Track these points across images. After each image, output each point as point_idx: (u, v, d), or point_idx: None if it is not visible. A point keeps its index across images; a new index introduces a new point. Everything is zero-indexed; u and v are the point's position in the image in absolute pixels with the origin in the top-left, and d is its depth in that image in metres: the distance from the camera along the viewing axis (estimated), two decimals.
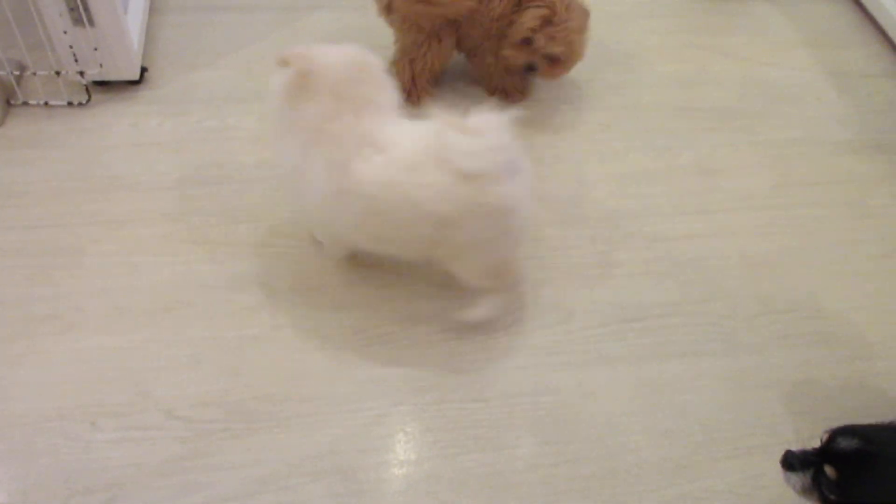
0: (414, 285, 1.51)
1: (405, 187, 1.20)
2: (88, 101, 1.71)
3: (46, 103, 1.69)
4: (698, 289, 1.56)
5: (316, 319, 1.45)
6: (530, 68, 1.70)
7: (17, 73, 1.67)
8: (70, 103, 1.70)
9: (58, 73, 1.64)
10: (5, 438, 1.26)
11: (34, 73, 1.67)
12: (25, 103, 1.69)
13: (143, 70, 1.77)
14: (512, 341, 1.45)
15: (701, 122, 1.90)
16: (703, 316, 1.52)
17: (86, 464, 1.24)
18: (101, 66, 1.66)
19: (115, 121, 1.71)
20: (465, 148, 1.18)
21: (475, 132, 1.18)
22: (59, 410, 1.29)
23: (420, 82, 1.75)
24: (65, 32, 1.57)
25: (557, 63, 1.69)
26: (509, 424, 1.34)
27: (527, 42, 1.64)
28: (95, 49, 1.62)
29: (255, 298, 1.46)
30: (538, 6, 1.61)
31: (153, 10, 1.92)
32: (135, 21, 1.76)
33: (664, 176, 1.76)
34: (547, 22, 1.61)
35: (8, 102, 1.68)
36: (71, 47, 1.61)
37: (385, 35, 1.77)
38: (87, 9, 1.53)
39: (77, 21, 1.56)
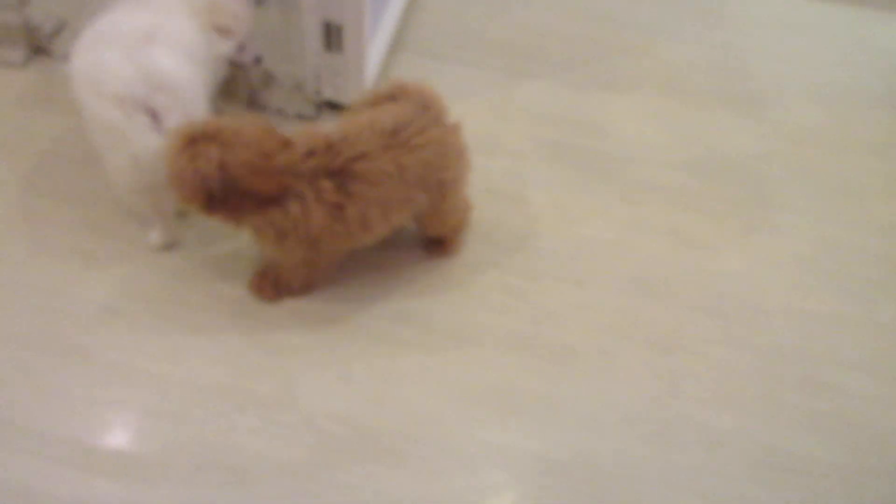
0: (576, 369, 1.50)
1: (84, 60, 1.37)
2: (316, 117, 1.87)
3: (280, 111, 1.87)
4: (868, 458, 1.42)
5: (464, 371, 1.47)
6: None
7: (265, 80, 1.87)
8: (300, 115, 1.87)
9: (299, 88, 1.82)
10: (167, 397, 1.38)
11: (280, 84, 1.86)
12: (264, 108, 1.88)
13: None
14: (652, 454, 1.39)
15: None
16: (868, 490, 1.38)
17: (223, 442, 1.33)
18: (336, 88, 1.82)
19: None
20: (118, 66, 1.33)
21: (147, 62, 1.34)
22: (217, 386, 1.40)
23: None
24: (315, 54, 1.74)
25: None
26: None
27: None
28: (336, 73, 1.78)
29: (413, 335, 1.51)
30: None
31: (394, 48, 2.07)
32: (375, 54, 1.91)
33: (856, 326, 1.63)
34: None
35: (251, 103, 1.88)
36: (317, 68, 1.77)
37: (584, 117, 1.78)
38: (340, 37, 1.69)
39: (328, 46, 1.72)
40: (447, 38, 2.17)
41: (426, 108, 1.43)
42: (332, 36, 1.70)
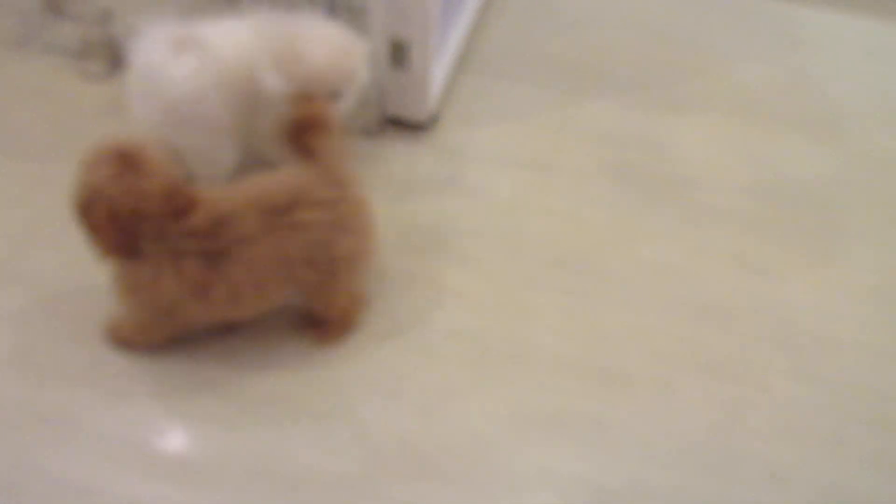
0: (633, 394, 1.47)
1: None
2: (380, 133, 1.90)
3: (344, 126, 1.90)
4: None
5: (516, 391, 1.46)
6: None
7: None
8: (364, 131, 1.89)
9: (363, 104, 1.84)
10: (224, 404, 1.41)
11: None
12: None
13: (434, 117, 1.92)
14: (709, 486, 1.35)
15: None
16: None
17: (277, 450, 1.35)
18: (401, 105, 1.84)
19: (393, 156, 1.87)
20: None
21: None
22: (272, 395, 1.42)
23: None
24: (381, 71, 1.77)
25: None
26: None
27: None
28: (401, 90, 1.80)
29: (467, 352, 1.51)
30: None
31: (458, 66, 2.09)
32: (440, 72, 1.92)
33: None
34: None
35: None
36: (382, 84, 1.80)
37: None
38: (407, 55, 1.72)
39: (395, 63, 1.75)
40: (512, 57, 2.17)
41: (328, 178, 1.33)
42: (398, 53, 1.73)
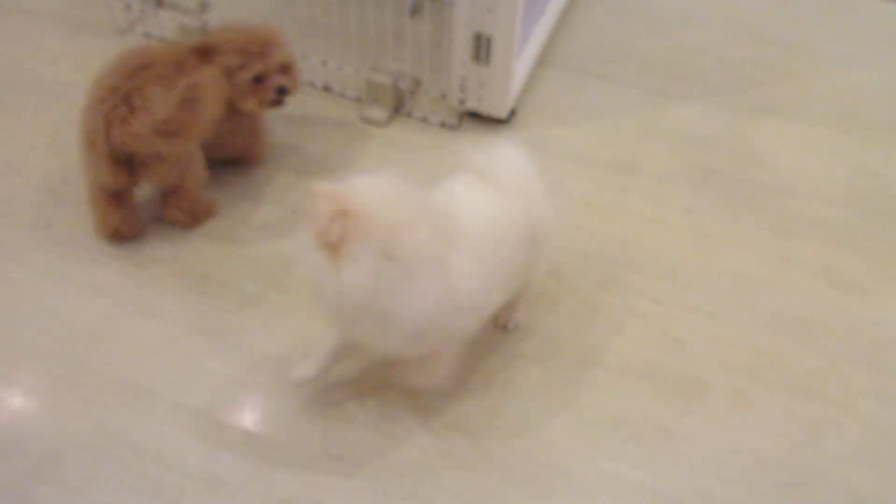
0: (705, 405, 1.42)
1: None
2: (458, 126, 1.90)
3: (424, 119, 1.92)
4: None
5: (583, 393, 1.44)
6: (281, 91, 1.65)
7: (412, 88, 1.92)
8: (443, 124, 1.90)
9: (443, 97, 1.85)
10: (302, 386, 1.44)
11: (425, 92, 1.91)
12: (409, 115, 1.93)
13: (512, 112, 1.91)
14: None
15: None
16: None
17: (342, 431, 1.37)
18: (480, 99, 1.84)
19: (471, 150, 1.85)
20: None
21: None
22: (339, 378, 1.44)
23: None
24: (463, 65, 1.77)
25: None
26: None
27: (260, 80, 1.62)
28: (481, 84, 1.80)
29: (535, 350, 1.49)
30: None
31: (540, 62, 2.06)
32: (522, 68, 1.91)
33: None
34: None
35: (397, 110, 1.93)
36: (463, 78, 1.80)
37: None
38: (489, 50, 1.71)
39: (476, 58, 1.74)
40: (597, 55, 2.14)
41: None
42: (481, 47, 1.72)
